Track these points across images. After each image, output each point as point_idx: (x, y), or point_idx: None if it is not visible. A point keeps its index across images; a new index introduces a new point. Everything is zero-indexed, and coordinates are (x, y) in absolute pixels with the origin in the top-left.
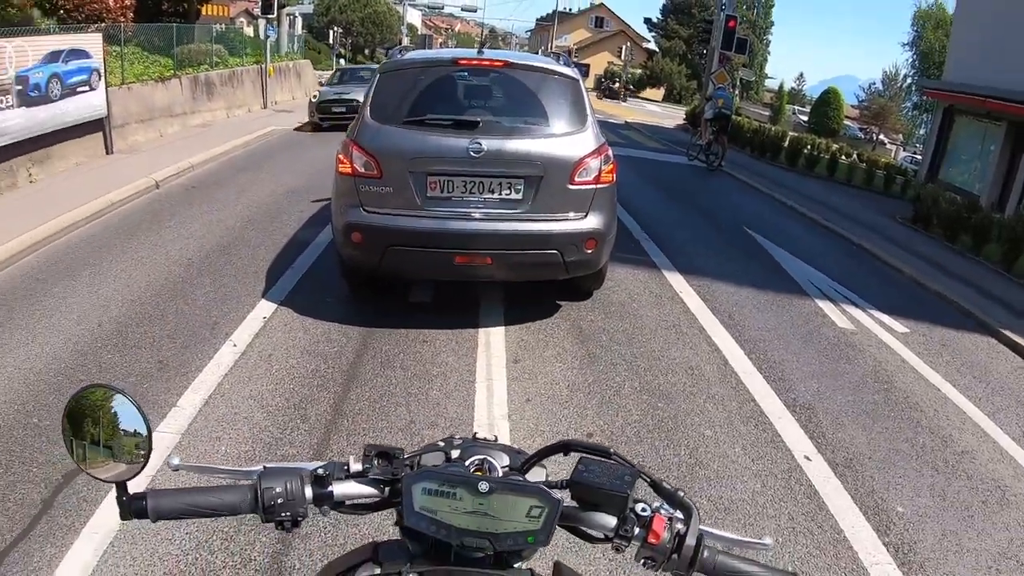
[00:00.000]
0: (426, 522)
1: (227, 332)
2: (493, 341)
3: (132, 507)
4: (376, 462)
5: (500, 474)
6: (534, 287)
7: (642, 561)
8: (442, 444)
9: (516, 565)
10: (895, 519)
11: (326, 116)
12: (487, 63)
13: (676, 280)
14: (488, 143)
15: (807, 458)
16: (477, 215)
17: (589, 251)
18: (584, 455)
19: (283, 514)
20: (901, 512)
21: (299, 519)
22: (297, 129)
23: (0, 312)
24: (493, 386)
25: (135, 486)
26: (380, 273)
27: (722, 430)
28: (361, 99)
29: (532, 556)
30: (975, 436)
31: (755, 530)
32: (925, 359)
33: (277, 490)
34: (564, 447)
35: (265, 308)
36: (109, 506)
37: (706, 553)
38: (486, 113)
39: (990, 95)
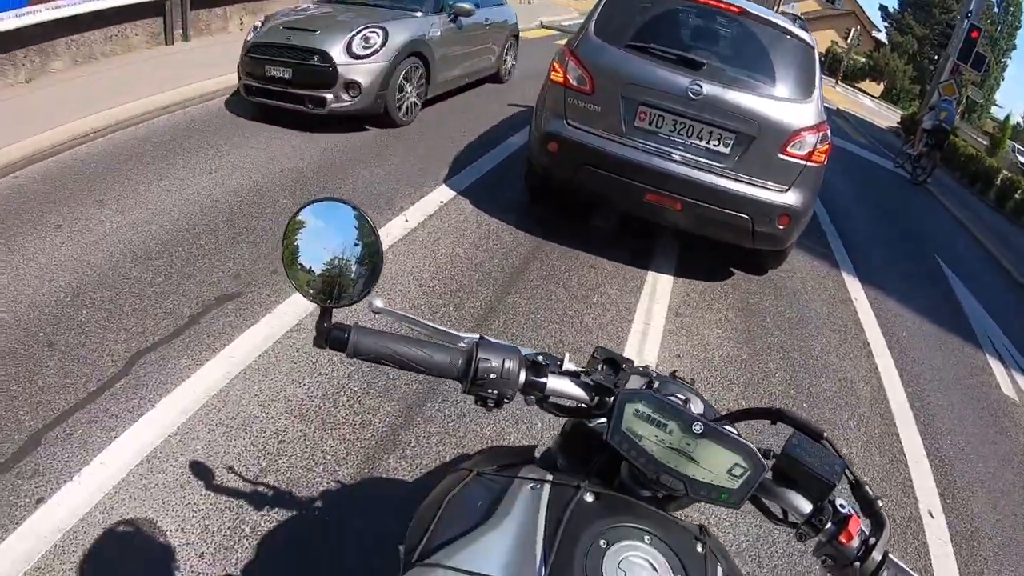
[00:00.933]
0: (628, 444)
1: (402, 207)
2: (660, 287)
3: (331, 336)
4: (602, 367)
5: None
6: (713, 247)
7: (822, 558)
8: (642, 369)
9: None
10: None
11: (254, 81)
12: (723, 6)
13: (853, 285)
14: (709, 87)
15: (930, 514)
16: (678, 158)
17: (781, 227)
18: (797, 431)
19: (491, 391)
20: None
21: (505, 400)
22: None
23: (194, 139)
24: (648, 331)
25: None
26: (567, 188)
27: (857, 453)
28: (336, 52)
29: (684, 509)
30: None
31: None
32: None
33: (493, 364)
34: (775, 415)
35: (443, 193)
36: (252, 336)
37: (886, 573)
38: (712, 57)
39: None
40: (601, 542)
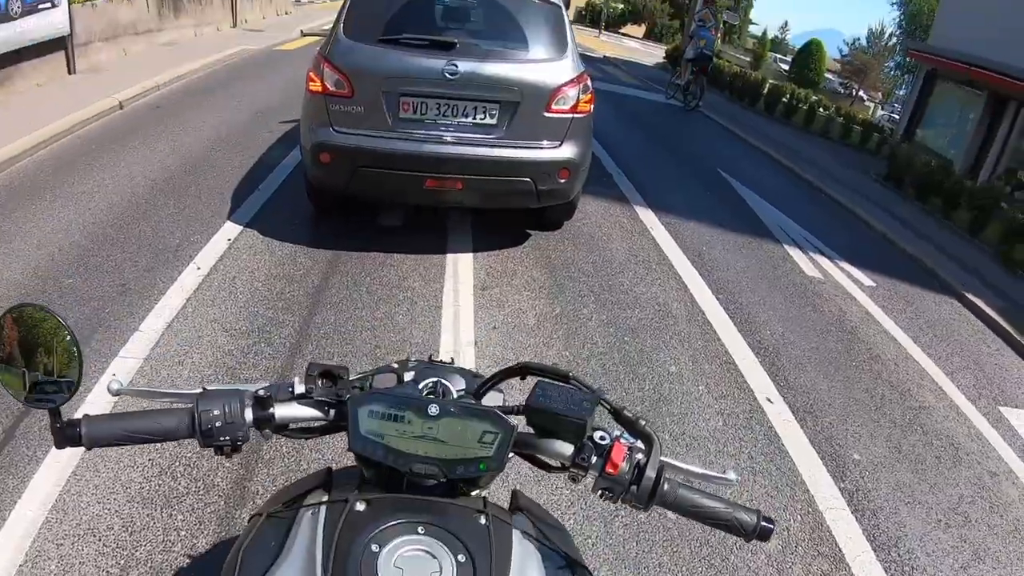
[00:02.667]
0: (372, 446)
1: (191, 255)
2: (461, 268)
3: (66, 434)
4: (320, 382)
5: (454, 397)
6: (504, 215)
7: (599, 492)
8: (396, 365)
9: (473, 493)
10: (851, 466)
11: None
12: None
13: (647, 216)
14: (464, 65)
15: (769, 400)
16: (450, 138)
17: (562, 180)
18: (542, 379)
19: (222, 438)
20: (857, 460)
21: (239, 443)
22: None
23: None
24: (460, 312)
25: (71, 414)
26: (348, 194)
27: (687, 367)
28: None
29: (488, 484)
30: (933, 393)
31: (716, 467)
32: (889, 314)
33: (215, 413)
34: (521, 370)
35: (230, 230)
36: None
37: (667, 486)
38: (464, 35)
39: (974, 63)
40: (373, 547)
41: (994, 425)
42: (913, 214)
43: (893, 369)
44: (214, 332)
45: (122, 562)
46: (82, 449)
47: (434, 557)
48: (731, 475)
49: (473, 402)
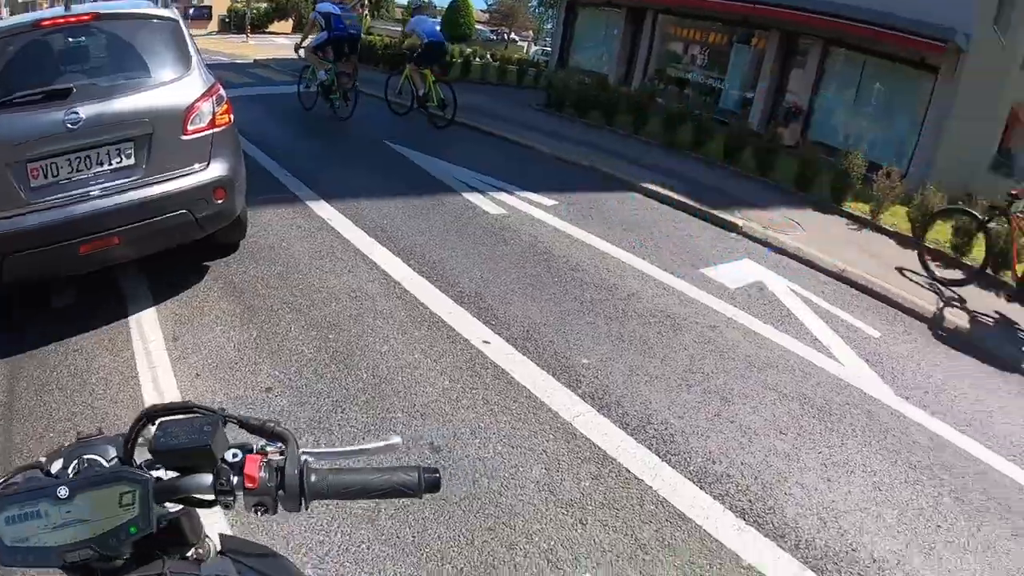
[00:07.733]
0: (21, 555)
1: None
2: (146, 326)
3: None
4: None
5: (100, 469)
6: (176, 254)
7: (254, 510)
8: (43, 459)
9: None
10: (583, 371)
11: None
12: (74, 19)
13: (323, 209)
14: (85, 110)
15: (486, 342)
16: (94, 193)
17: (220, 201)
18: (163, 419)
19: None
20: (587, 363)
21: None
22: None
23: None
24: (157, 373)
25: None
26: (2, 290)
27: (398, 341)
28: None
29: (175, 553)
30: (636, 279)
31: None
32: (577, 224)
33: None
34: (148, 416)
35: None
36: None
37: (314, 478)
38: (81, 77)
39: None
40: None
41: (699, 286)
42: (579, 131)
43: (594, 272)
44: None
45: None
46: None
47: None
48: (394, 439)
49: (100, 469)
